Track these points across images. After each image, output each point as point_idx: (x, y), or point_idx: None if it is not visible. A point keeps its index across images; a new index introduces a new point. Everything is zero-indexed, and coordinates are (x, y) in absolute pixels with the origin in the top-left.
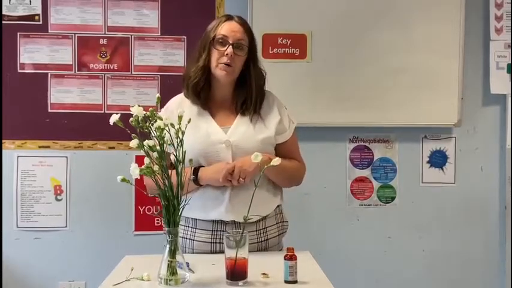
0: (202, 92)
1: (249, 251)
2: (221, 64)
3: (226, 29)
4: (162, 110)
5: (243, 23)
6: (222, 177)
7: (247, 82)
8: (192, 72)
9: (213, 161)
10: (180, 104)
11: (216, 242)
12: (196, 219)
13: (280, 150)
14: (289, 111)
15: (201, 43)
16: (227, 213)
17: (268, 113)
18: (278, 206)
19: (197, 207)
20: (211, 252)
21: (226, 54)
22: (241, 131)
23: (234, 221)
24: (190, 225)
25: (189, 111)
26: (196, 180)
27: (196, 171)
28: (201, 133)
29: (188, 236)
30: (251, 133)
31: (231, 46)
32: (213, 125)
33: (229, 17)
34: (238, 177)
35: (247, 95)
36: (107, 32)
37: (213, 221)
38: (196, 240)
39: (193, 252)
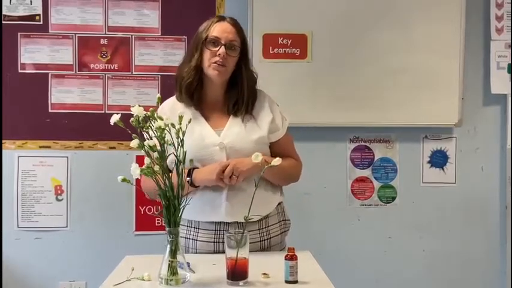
0: (195, 92)
1: (252, 250)
2: (214, 64)
3: (219, 29)
4: (157, 111)
5: (235, 24)
6: (216, 174)
7: (239, 83)
8: (185, 73)
9: (207, 163)
10: (173, 107)
11: (219, 242)
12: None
13: (275, 148)
14: (281, 108)
15: (193, 44)
16: (227, 215)
17: (260, 113)
18: (279, 204)
19: (197, 211)
20: (214, 251)
21: (219, 54)
22: (234, 132)
23: (237, 221)
24: (193, 226)
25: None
26: (191, 182)
27: (191, 173)
28: (195, 136)
29: (191, 237)
30: (244, 134)
31: (223, 46)
32: (206, 127)
33: (221, 18)
34: (230, 174)
35: (239, 96)
36: (107, 32)
37: (216, 222)
38: (199, 240)
39: (196, 252)
